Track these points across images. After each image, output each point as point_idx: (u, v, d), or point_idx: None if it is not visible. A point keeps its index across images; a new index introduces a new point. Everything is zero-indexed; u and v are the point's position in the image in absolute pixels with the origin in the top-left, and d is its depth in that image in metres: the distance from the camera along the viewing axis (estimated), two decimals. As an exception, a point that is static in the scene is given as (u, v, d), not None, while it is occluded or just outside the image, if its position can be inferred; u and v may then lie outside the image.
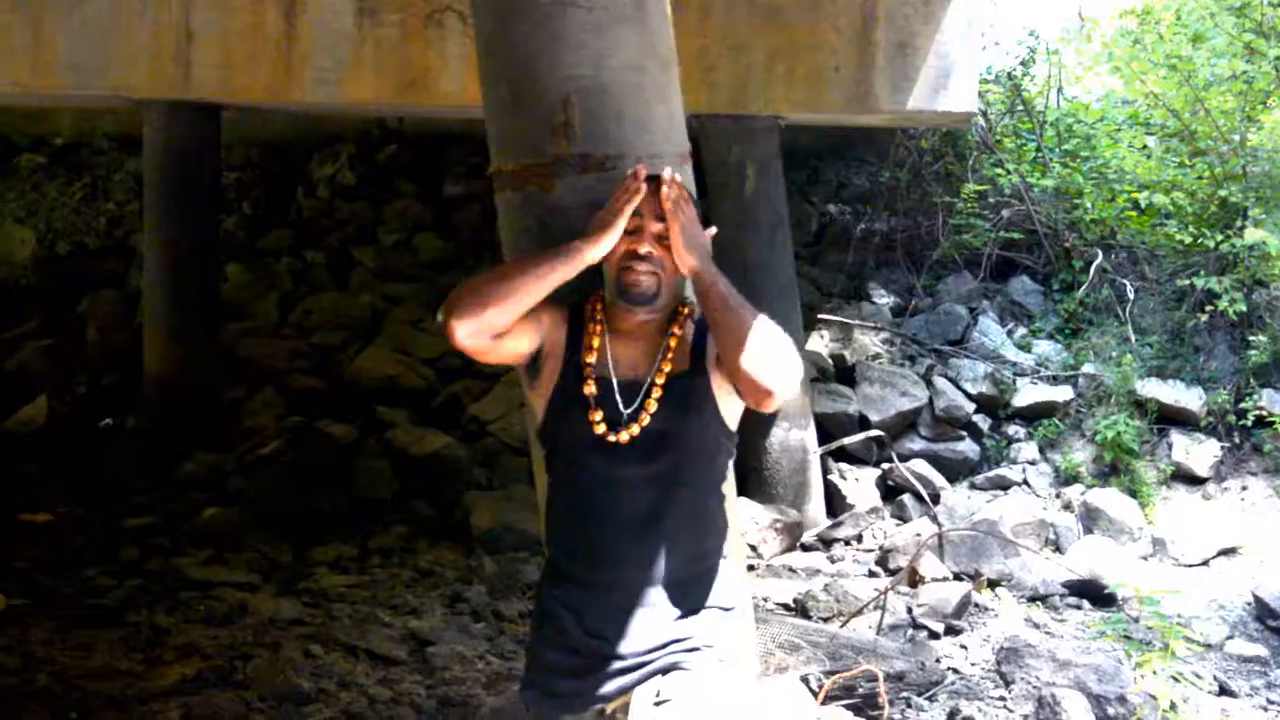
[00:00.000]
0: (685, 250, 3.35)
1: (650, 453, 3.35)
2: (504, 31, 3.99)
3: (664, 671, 3.32)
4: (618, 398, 3.39)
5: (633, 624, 3.34)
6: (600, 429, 3.35)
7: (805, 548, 9.97)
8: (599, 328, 3.45)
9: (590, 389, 3.38)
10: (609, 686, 3.35)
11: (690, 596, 3.37)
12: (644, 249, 3.37)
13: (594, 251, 3.35)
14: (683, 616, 3.36)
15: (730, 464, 3.65)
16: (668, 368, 3.40)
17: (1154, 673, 5.94)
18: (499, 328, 3.29)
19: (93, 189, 15.01)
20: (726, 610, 3.47)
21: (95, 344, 12.46)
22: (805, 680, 6.22)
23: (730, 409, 3.44)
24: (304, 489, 9.89)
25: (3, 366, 12.42)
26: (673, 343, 3.44)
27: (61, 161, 15.29)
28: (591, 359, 3.42)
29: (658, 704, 3.26)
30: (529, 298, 3.31)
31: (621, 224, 3.35)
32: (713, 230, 3.51)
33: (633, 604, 3.34)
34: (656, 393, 3.37)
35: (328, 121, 14.60)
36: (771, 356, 3.23)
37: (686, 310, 3.51)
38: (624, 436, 3.34)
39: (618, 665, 3.34)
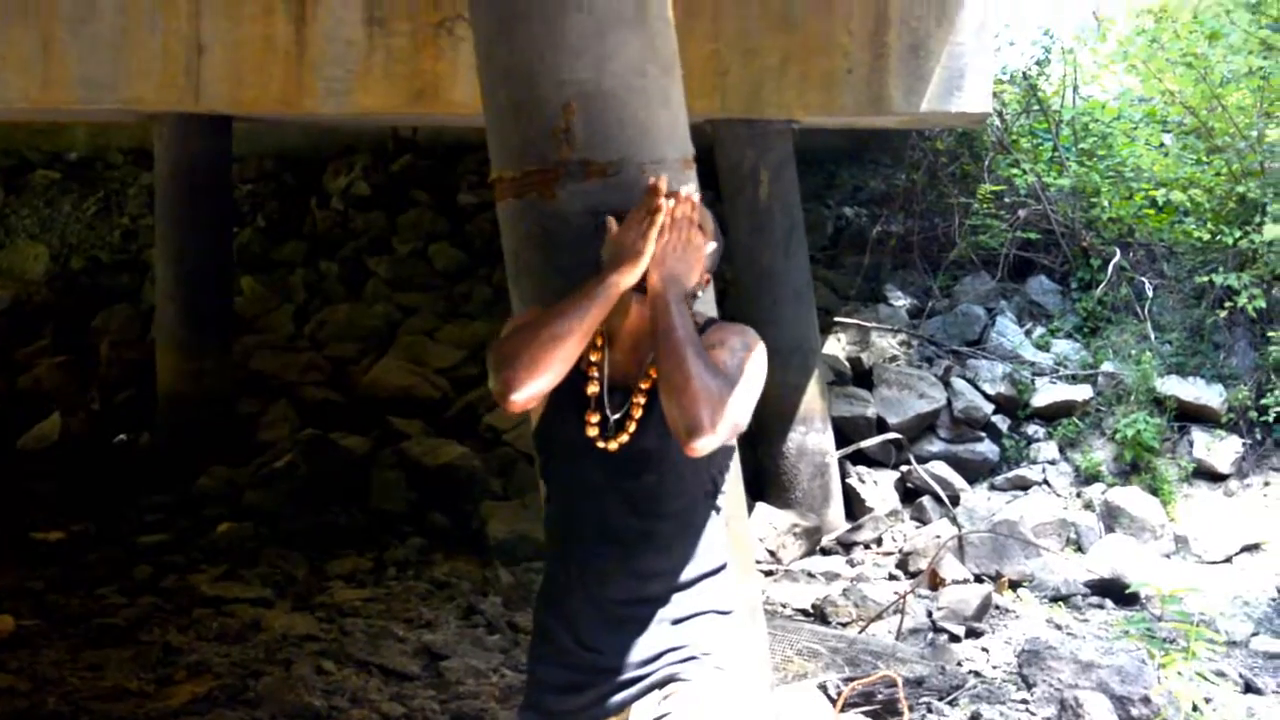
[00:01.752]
0: (658, 268, 3.23)
1: (643, 465, 3.28)
2: (504, 37, 3.94)
3: (661, 684, 3.25)
4: (606, 402, 3.32)
5: (627, 635, 3.27)
6: (593, 431, 3.28)
7: (825, 552, 9.91)
8: (600, 326, 3.35)
9: (594, 389, 3.32)
10: (608, 702, 3.28)
11: (685, 604, 3.31)
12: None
13: (628, 280, 3.24)
14: (678, 624, 3.29)
15: (730, 469, 3.57)
16: (654, 375, 3.28)
17: (1178, 673, 5.86)
18: (554, 385, 3.26)
19: (106, 204, 15.01)
20: (724, 614, 3.40)
21: (109, 360, 12.44)
22: (824, 687, 6.15)
23: None
24: (319, 502, 9.85)
25: (17, 383, 12.40)
26: None
27: (75, 176, 15.29)
28: (596, 358, 3.35)
29: None
30: (578, 348, 3.24)
31: (650, 249, 3.22)
32: (713, 245, 3.38)
33: (627, 615, 3.28)
34: (640, 404, 3.29)
35: (341, 133, 14.59)
36: (697, 405, 3.08)
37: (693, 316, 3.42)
38: (612, 445, 3.27)
39: (615, 679, 3.27)
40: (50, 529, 9.52)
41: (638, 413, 3.28)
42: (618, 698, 3.27)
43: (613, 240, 3.28)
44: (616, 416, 3.30)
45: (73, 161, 15.48)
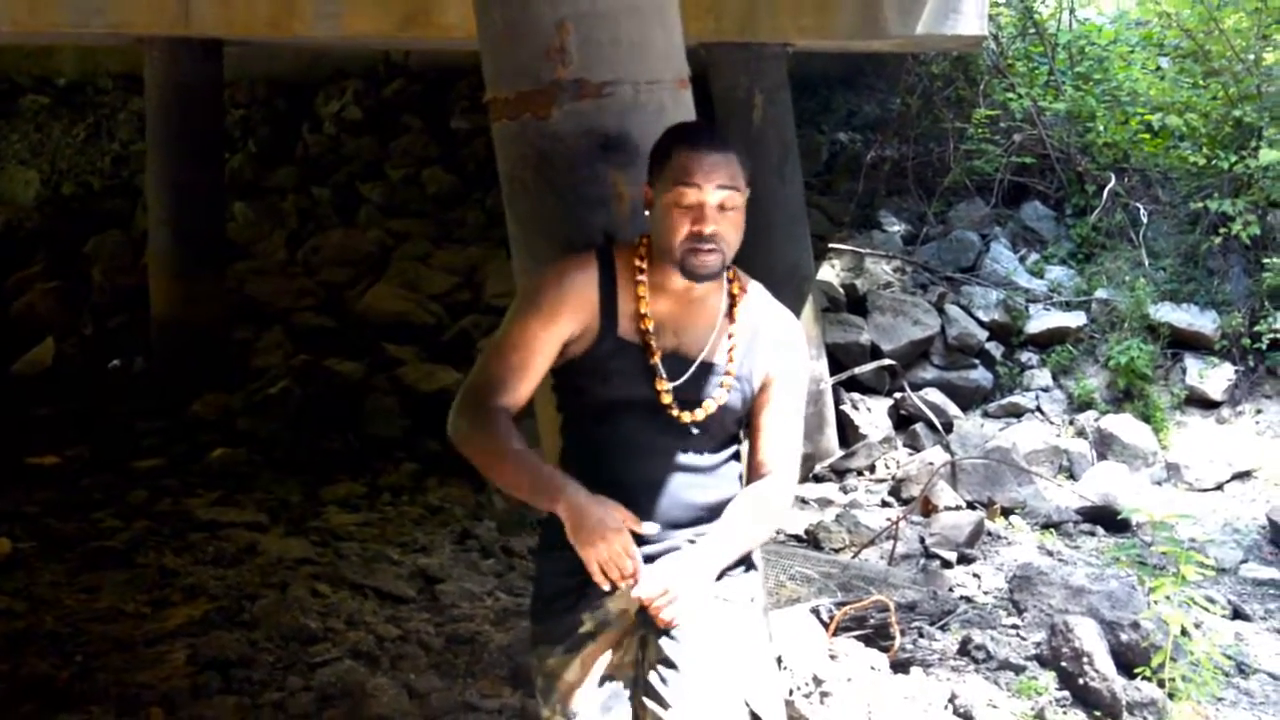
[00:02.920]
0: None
1: (706, 435, 3.31)
2: (496, -45, 3.89)
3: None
4: (662, 369, 3.27)
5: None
6: (667, 399, 3.24)
7: (818, 478, 9.93)
8: (644, 288, 3.28)
9: (656, 359, 3.25)
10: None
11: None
12: (709, 229, 3.17)
13: (567, 529, 3.17)
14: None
15: None
16: (735, 352, 3.30)
17: (1167, 598, 5.89)
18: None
19: (97, 129, 14.94)
20: (751, 569, 3.44)
21: (101, 285, 12.41)
22: (816, 612, 6.18)
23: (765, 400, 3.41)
24: (313, 428, 9.87)
25: (9, 309, 12.37)
26: (731, 327, 3.33)
27: (65, 102, 15.20)
28: (650, 325, 3.27)
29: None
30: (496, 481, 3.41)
31: (596, 569, 3.16)
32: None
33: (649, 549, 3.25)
34: (723, 392, 3.29)
35: (333, 57, 14.49)
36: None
37: (739, 288, 3.38)
38: (687, 417, 3.26)
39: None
40: (45, 454, 9.53)
41: (726, 391, 3.28)
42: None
43: (592, 526, 3.15)
44: (678, 383, 3.26)
45: (62, 86, 15.38)
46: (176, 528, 8.03)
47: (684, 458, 3.28)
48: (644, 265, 3.30)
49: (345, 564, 7.42)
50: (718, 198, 3.19)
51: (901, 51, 12.54)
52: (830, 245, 11.81)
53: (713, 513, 3.32)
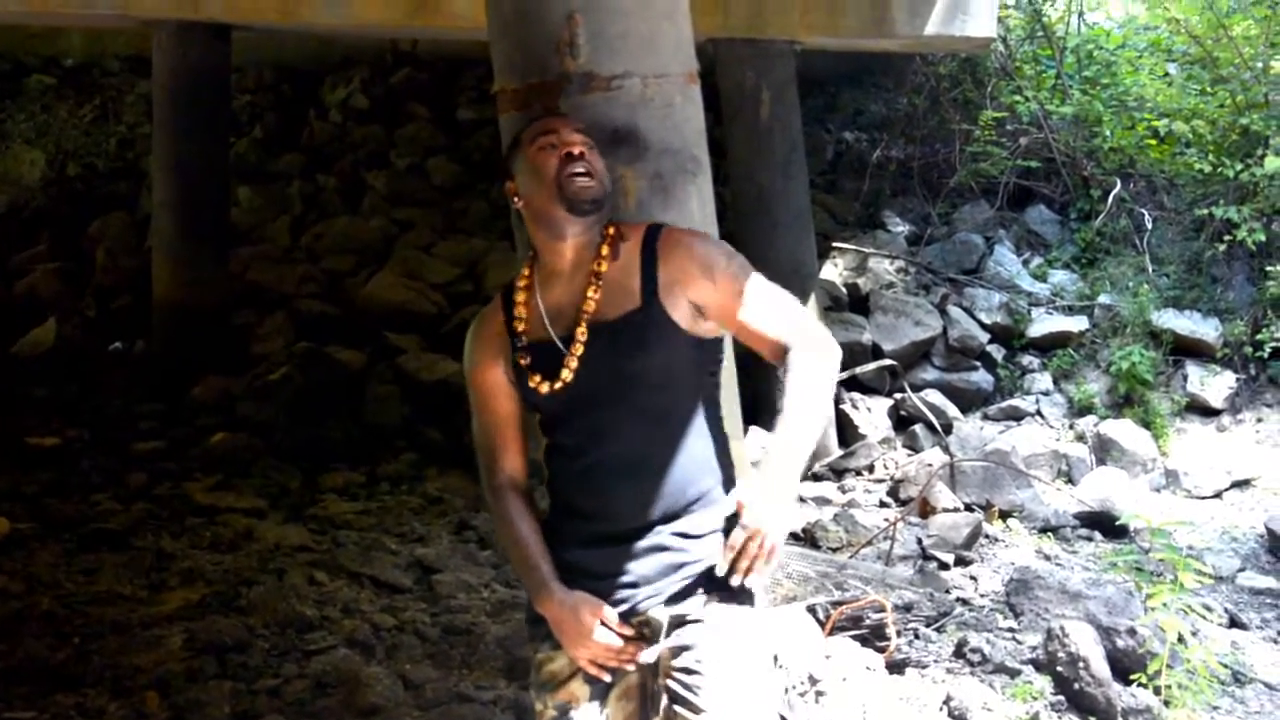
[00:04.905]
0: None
1: (621, 394, 3.21)
2: (507, -53, 3.89)
3: (681, 596, 3.22)
4: (560, 345, 3.25)
5: (638, 563, 3.23)
6: (543, 387, 3.23)
7: (816, 477, 9.92)
8: (522, 294, 3.33)
9: (524, 360, 3.26)
10: (628, 604, 3.24)
11: (694, 528, 3.28)
12: (577, 151, 3.22)
13: (547, 622, 3.26)
14: (692, 539, 3.25)
15: (729, 387, 3.54)
16: (592, 304, 3.22)
17: (1164, 605, 5.88)
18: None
19: (103, 111, 14.90)
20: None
21: (104, 267, 12.40)
22: (813, 610, 6.17)
23: (704, 330, 3.27)
24: (313, 415, 9.85)
25: (12, 289, 12.35)
26: (599, 268, 3.25)
27: (71, 83, 15.16)
28: (521, 327, 3.30)
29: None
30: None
31: (584, 663, 3.22)
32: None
33: (636, 550, 3.23)
34: (582, 332, 3.21)
35: (341, 44, 14.47)
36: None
37: (612, 231, 3.30)
38: (556, 385, 3.21)
39: (628, 592, 3.24)
40: (45, 434, 9.53)
41: (578, 349, 3.21)
42: (638, 603, 3.23)
43: (572, 636, 3.21)
44: (578, 355, 3.22)
45: (69, 68, 15.35)
46: (175, 511, 8.05)
47: (642, 428, 3.22)
48: (527, 272, 3.36)
49: (343, 552, 7.42)
50: (578, 137, 3.26)
51: (909, 51, 12.54)
52: (834, 244, 11.80)
53: (690, 484, 3.26)
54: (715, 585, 3.19)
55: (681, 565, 3.22)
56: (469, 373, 3.41)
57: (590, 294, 3.22)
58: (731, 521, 3.18)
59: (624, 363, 3.20)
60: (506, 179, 3.36)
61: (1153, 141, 12.51)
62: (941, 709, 5.59)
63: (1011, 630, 6.64)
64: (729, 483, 3.34)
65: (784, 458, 3.14)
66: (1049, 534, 8.81)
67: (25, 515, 7.82)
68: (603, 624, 3.18)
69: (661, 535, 3.23)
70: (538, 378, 3.24)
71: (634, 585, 3.22)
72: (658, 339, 3.21)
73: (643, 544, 3.23)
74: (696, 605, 3.21)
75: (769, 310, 3.25)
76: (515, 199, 3.34)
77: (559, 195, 3.20)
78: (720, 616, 3.21)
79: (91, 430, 9.68)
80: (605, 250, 3.26)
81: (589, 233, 3.26)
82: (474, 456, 3.44)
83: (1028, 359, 11.26)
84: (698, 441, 3.29)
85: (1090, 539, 8.81)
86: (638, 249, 3.27)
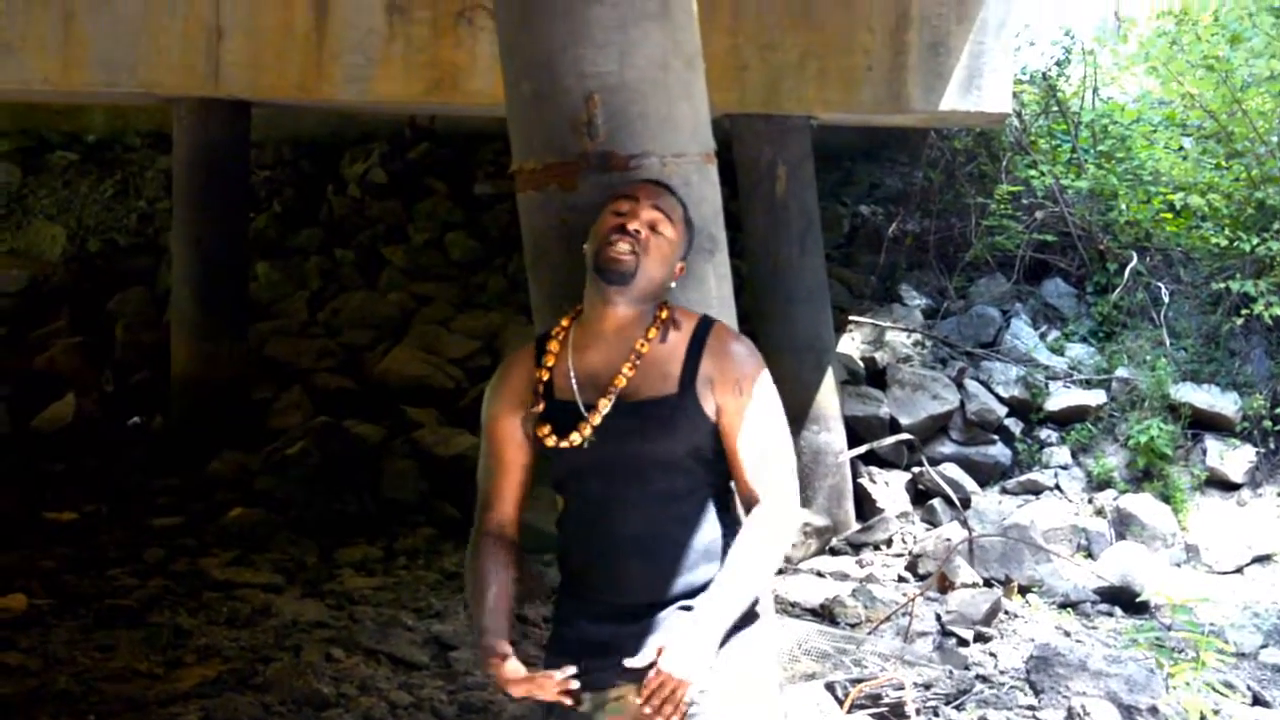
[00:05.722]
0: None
1: (640, 473, 3.26)
2: (526, 28, 3.93)
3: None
4: (583, 410, 3.28)
5: (646, 640, 3.23)
6: (544, 430, 3.28)
7: (834, 552, 9.89)
8: (558, 347, 3.37)
9: (539, 407, 3.31)
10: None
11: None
12: (633, 226, 3.27)
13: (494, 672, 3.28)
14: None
15: None
16: (623, 380, 3.26)
17: (1186, 683, 5.84)
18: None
19: (124, 186, 15.02)
20: (755, 615, 3.39)
21: (124, 342, 12.46)
22: (831, 688, 6.14)
23: (730, 423, 3.33)
24: (331, 490, 9.86)
25: (32, 364, 12.40)
26: (641, 348, 3.30)
27: (93, 159, 15.31)
28: (545, 376, 3.34)
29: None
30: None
31: (523, 691, 3.25)
32: (680, 237, 3.39)
33: (645, 626, 3.25)
34: (606, 402, 3.25)
35: (360, 120, 14.59)
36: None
37: (665, 314, 3.36)
38: (563, 444, 3.25)
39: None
40: (63, 509, 9.56)
41: (605, 406, 3.25)
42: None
43: (512, 685, 3.25)
44: (598, 424, 3.26)
45: (91, 143, 15.50)
46: (192, 587, 8.03)
47: (648, 509, 3.26)
48: (568, 327, 3.40)
49: (359, 628, 7.40)
50: (650, 215, 3.31)
51: (925, 126, 12.60)
52: (850, 317, 11.82)
53: (702, 558, 3.29)
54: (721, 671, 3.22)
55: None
56: (486, 415, 3.45)
57: (626, 370, 3.27)
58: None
59: (648, 445, 3.25)
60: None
61: (1168, 215, 12.52)
62: (962, 788, 5.54)
63: (1032, 708, 6.58)
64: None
65: (715, 609, 3.18)
66: (1069, 609, 8.75)
67: (42, 591, 7.82)
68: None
69: (669, 614, 3.25)
70: (547, 429, 3.28)
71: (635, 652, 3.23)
72: (686, 426, 3.26)
73: (649, 621, 3.24)
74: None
75: (760, 456, 3.32)
76: (586, 249, 3.38)
77: (595, 258, 3.28)
78: (727, 683, 3.24)
79: (109, 505, 9.70)
80: (653, 333, 3.32)
81: (636, 308, 3.31)
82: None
83: (1046, 433, 11.22)
84: (709, 527, 3.33)
85: (1110, 614, 8.76)
86: (687, 339, 3.34)
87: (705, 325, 3.38)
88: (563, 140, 3.82)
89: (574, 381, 3.30)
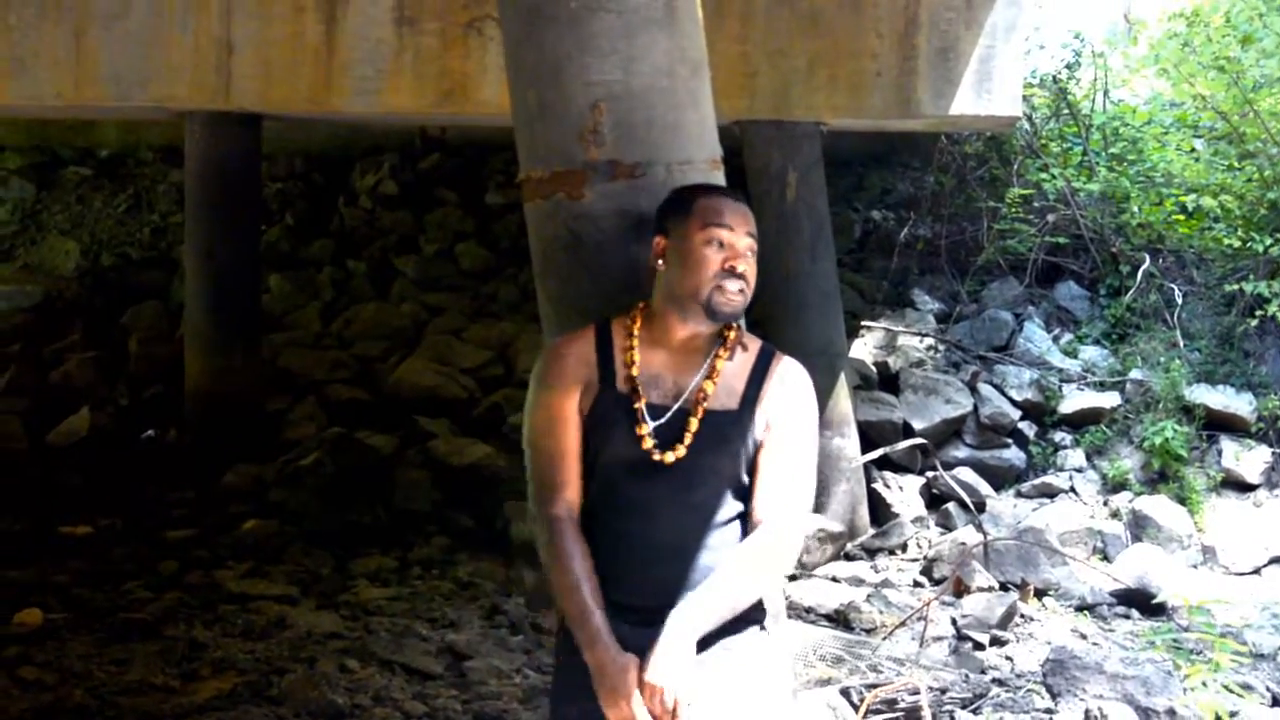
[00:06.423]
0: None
1: (689, 481, 3.28)
2: (532, 38, 3.93)
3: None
4: (644, 412, 3.30)
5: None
6: (648, 444, 3.26)
7: (849, 557, 9.87)
8: (634, 342, 3.37)
9: (640, 403, 3.30)
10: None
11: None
12: (741, 266, 3.29)
13: (591, 674, 3.22)
14: (720, 634, 3.28)
15: None
16: (710, 389, 3.31)
17: (1203, 684, 5.81)
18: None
19: (137, 201, 15.08)
20: (763, 628, 3.41)
21: (138, 356, 12.49)
22: (846, 693, 6.13)
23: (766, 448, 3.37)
24: (345, 500, 9.87)
25: (47, 378, 12.44)
26: (719, 365, 3.35)
27: (106, 173, 15.37)
28: (635, 373, 3.33)
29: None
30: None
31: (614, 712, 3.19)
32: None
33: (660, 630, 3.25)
34: (694, 422, 3.28)
35: (370, 131, 14.63)
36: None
37: (734, 334, 3.40)
38: (669, 457, 3.25)
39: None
40: (78, 523, 9.56)
41: (694, 425, 3.28)
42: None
43: (608, 690, 3.18)
44: (658, 423, 3.29)
45: (104, 158, 15.56)
46: (207, 599, 8.04)
47: (689, 517, 3.28)
48: (636, 324, 3.39)
49: (374, 639, 7.40)
50: (745, 243, 3.33)
51: (935, 131, 12.59)
52: (863, 323, 11.81)
53: None
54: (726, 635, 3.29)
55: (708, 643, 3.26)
56: (542, 393, 3.41)
57: (708, 386, 3.31)
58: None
59: (702, 455, 3.28)
60: (659, 233, 3.41)
61: (1181, 217, 12.51)
62: (979, 793, 5.53)
63: (1048, 711, 6.56)
64: None
65: (685, 615, 3.19)
66: (1085, 612, 8.73)
67: (58, 605, 7.83)
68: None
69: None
70: (648, 437, 3.27)
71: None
72: (738, 441, 3.32)
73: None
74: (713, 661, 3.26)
75: (779, 481, 3.34)
76: (660, 260, 3.37)
77: (707, 300, 3.28)
78: (736, 659, 3.29)
79: (124, 519, 9.71)
80: (725, 353, 3.37)
81: (713, 326, 3.35)
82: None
83: (1060, 435, 11.20)
84: (736, 536, 3.35)
85: (1127, 617, 8.73)
86: (752, 361, 3.40)
87: (769, 351, 3.44)
88: (569, 149, 3.82)
89: (638, 380, 3.33)
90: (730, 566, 3.26)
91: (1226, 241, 11.93)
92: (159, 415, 11.70)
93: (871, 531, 10.12)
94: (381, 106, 10.22)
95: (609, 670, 3.18)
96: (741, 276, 3.30)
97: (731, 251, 3.29)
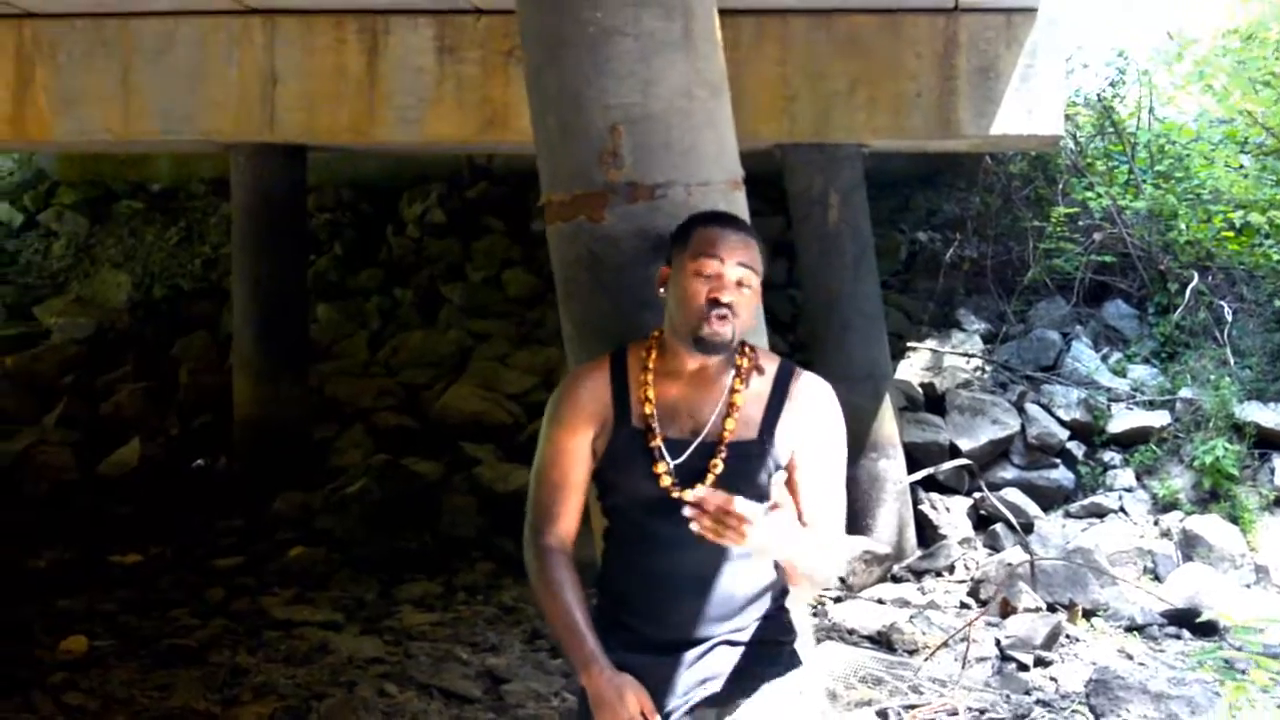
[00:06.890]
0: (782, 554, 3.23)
1: None
2: (551, 62, 3.98)
3: (728, 699, 3.29)
4: (662, 448, 3.29)
5: (688, 672, 3.29)
6: (666, 481, 3.25)
7: (896, 579, 9.82)
8: (649, 375, 3.35)
9: (657, 441, 3.28)
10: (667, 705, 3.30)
11: (751, 637, 3.33)
12: (726, 297, 3.22)
13: (587, 693, 3.28)
14: (736, 653, 3.30)
15: None
16: (731, 425, 3.29)
17: (1250, 703, 5.75)
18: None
19: (188, 233, 15.25)
20: (783, 643, 3.40)
21: (187, 386, 12.61)
22: (885, 715, 6.10)
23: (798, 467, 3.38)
24: (391, 527, 9.93)
25: (99, 409, 12.59)
26: (736, 399, 3.31)
27: (158, 206, 15.56)
28: (650, 410, 3.31)
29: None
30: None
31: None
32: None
33: (681, 661, 3.28)
34: (718, 463, 3.26)
35: (418, 161, 14.73)
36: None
37: (749, 362, 3.37)
38: (690, 495, 3.15)
39: (674, 701, 3.29)
40: (128, 552, 9.68)
41: (718, 467, 3.26)
42: (679, 711, 3.29)
43: (606, 714, 3.23)
44: (677, 462, 3.27)
45: (156, 192, 15.75)
46: (252, 626, 8.10)
47: (713, 550, 3.19)
48: (651, 355, 3.36)
49: (414, 664, 7.43)
50: (737, 274, 3.26)
51: (978, 151, 12.55)
52: (909, 344, 11.77)
53: (750, 602, 3.32)
54: (758, 664, 3.30)
55: (728, 671, 3.25)
56: (554, 429, 3.41)
57: (728, 424, 3.29)
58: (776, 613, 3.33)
59: (722, 488, 3.19)
60: (666, 262, 3.40)
61: (1229, 234, 12.40)
62: (1018, 815, 5.49)
63: (1092, 732, 6.51)
64: (784, 594, 3.43)
65: (801, 532, 3.22)
66: (1135, 633, 8.64)
67: (104, 633, 7.91)
68: (643, 714, 3.20)
69: (714, 648, 3.30)
70: (665, 474, 3.26)
71: (680, 694, 3.25)
72: (759, 471, 3.30)
73: (692, 654, 3.27)
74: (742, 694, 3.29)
75: (816, 502, 3.36)
76: (661, 289, 3.38)
77: (692, 331, 3.24)
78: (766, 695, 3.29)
79: (173, 547, 9.81)
80: (739, 383, 3.34)
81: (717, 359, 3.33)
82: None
83: (1109, 455, 11.10)
84: (764, 571, 3.37)
85: (1179, 637, 8.63)
86: (769, 384, 3.37)
87: (787, 370, 3.40)
88: (589, 171, 3.86)
89: (653, 414, 3.31)
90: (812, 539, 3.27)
91: (1276, 258, 11.82)
92: (209, 444, 11.82)
93: (918, 553, 10.07)
94: (423, 136, 10.29)
95: (605, 692, 3.21)
96: (727, 306, 3.22)
97: (718, 283, 3.23)
